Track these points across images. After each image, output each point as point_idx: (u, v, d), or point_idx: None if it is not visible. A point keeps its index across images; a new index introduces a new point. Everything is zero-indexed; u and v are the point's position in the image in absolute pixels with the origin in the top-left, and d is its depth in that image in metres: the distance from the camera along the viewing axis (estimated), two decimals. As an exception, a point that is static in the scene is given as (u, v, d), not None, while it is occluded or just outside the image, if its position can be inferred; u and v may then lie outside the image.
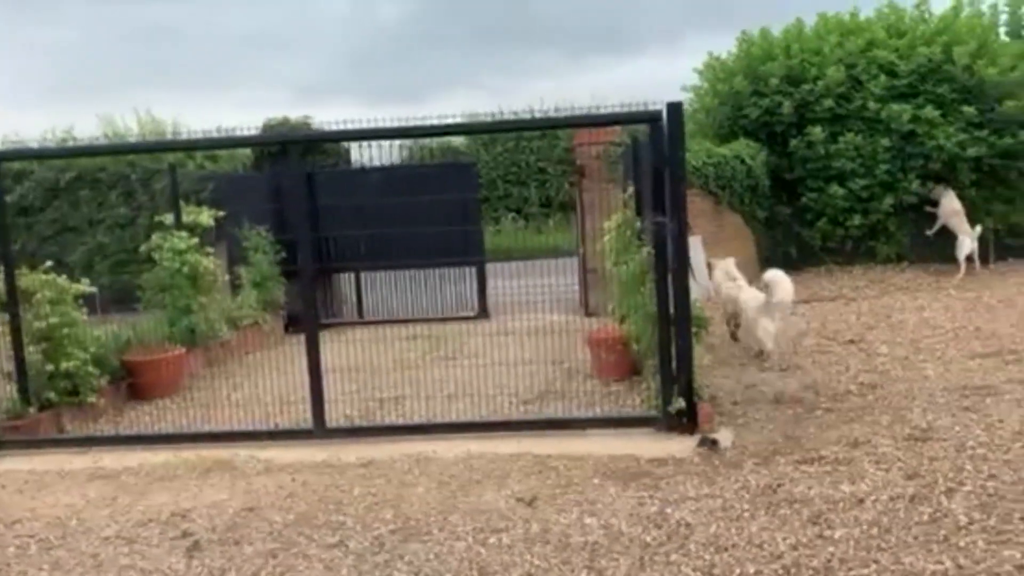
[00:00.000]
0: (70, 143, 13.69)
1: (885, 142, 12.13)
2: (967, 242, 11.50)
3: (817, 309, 10.13)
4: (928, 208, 12.05)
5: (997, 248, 12.32)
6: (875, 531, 4.09)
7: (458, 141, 20.45)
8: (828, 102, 12.28)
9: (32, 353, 6.77)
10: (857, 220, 12.32)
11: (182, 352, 8.30)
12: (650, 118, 5.79)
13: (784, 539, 4.07)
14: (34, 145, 9.46)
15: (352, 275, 11.84)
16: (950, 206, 11.74)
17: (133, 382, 7.73)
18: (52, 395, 6.80)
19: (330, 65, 37.83)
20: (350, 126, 7.05)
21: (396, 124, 6.85)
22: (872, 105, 12.17)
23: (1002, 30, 13.70)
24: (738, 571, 3.81)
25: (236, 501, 5.04)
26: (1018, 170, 12.18)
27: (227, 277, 10.32)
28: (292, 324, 10.32)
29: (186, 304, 8.91)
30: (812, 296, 10.83)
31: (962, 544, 3.90)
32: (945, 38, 12.25)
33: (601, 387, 7.12)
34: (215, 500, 5.08)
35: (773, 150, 12.60)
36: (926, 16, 13.01)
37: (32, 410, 6.59)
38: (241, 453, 5.87)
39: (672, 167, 5.63)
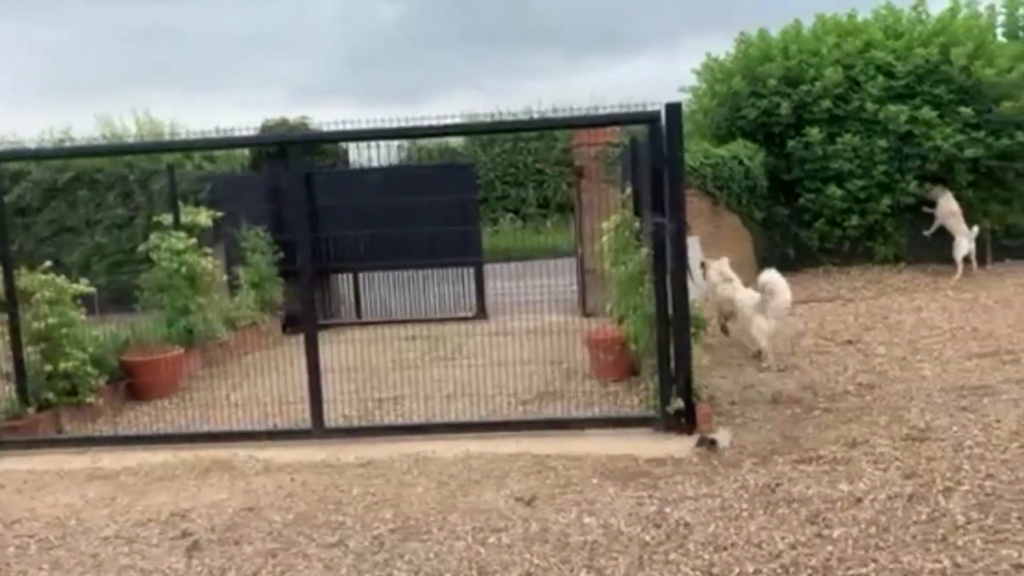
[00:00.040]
0: (68, 144, 13.71)
1: (882, 143, 12.13)
2: (964, 243, 11.52)
3: (815, 309, 10.15)
4: (925, 209, 12.06)
5: (994, 249, 12.33)
6: (873, 530, 4.11)
7: (456, 142, 20.46)
8: (826, 103, 12.28)
9: (31, 353, 6.77)
10: (855, 221, 12.32)
11: (180, 352, 8.30)
12: (649, 119, 5.80)
13: (783, 538, 4.08)
14: (32, 145, 9.46)
15: (350, 275, 11.83)
16: (947, 207, 11.75)
17: (131, 382, 7.73)
18: (51, 395, 6.80)
19: (328, 66, 37.86)
20: (348, 127, 7.07)
21: (394, 125, 6.86)
22: (870, 106, 12.17)
23: (999, 31, 13.69)
24: (737, 570, 3.82)
25: (235, 501, 5.05)
26: (1015, 171, 12.18)
27: (225, 277, 10.31)
28: (290, 324, 10.31)
29: (184, 304, 8.92)
30: (810, 297, 10.84)
31: (960, 543, 3.91)
32: (942, 39, 12.25)
33: (600, 387, 7.13)
34: (214, 500, 5.09)
35: (771, 151, 12.59)
36: (923, 17, 13.01)
37: (31, 410, 6.59)
38: (240, 453, 5.87)
39: (671, 168, 5.64)
